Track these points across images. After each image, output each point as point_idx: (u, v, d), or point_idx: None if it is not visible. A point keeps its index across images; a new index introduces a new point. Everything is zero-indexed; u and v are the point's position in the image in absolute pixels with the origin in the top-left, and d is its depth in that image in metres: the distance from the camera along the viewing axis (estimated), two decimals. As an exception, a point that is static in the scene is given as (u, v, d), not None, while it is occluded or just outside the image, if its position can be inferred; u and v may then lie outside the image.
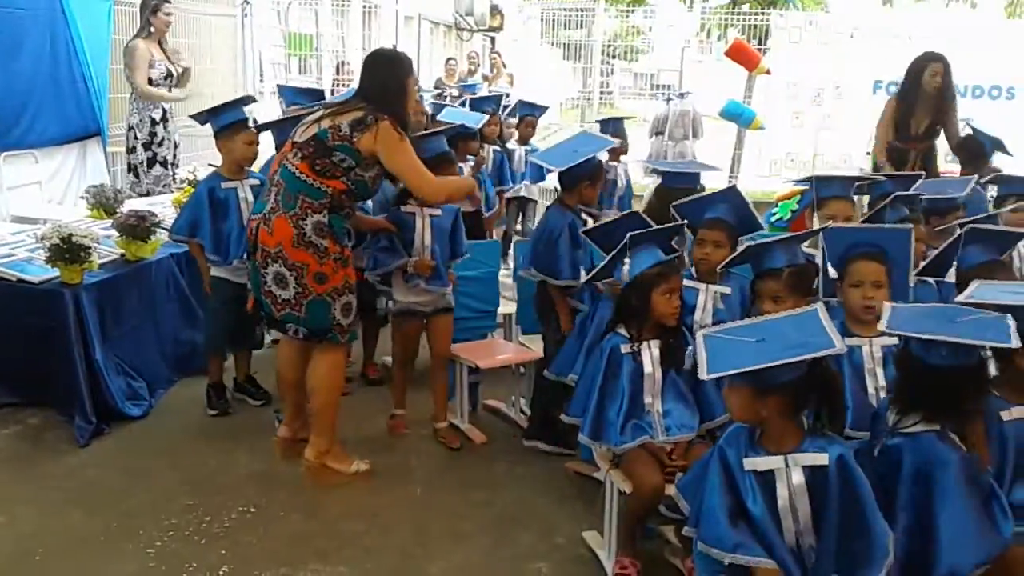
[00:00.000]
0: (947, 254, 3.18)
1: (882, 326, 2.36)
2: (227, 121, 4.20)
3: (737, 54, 9.27)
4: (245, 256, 3.87)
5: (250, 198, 4.20)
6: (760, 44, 10.59)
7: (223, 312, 4.31)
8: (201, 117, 4.26)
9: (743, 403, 2.29)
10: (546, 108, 7.37)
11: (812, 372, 2.25)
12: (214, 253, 4.19)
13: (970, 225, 3.22)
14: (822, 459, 2.23)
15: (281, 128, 4.29)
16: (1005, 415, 2.46)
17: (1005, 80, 9.38)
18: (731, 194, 3.59)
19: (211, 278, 4.30)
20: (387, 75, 3.61)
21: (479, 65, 12.43)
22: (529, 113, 6.95)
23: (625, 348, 3.11)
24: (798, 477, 2.25)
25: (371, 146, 3.46)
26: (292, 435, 3.92)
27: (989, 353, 2.38)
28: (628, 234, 3.14)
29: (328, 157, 3.46)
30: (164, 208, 5.25)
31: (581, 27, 12.17)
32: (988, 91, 9.43)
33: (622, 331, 3.16)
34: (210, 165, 4.59)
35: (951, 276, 3.28)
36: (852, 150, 9.40)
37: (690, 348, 3.09)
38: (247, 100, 4.55)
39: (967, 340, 2.21)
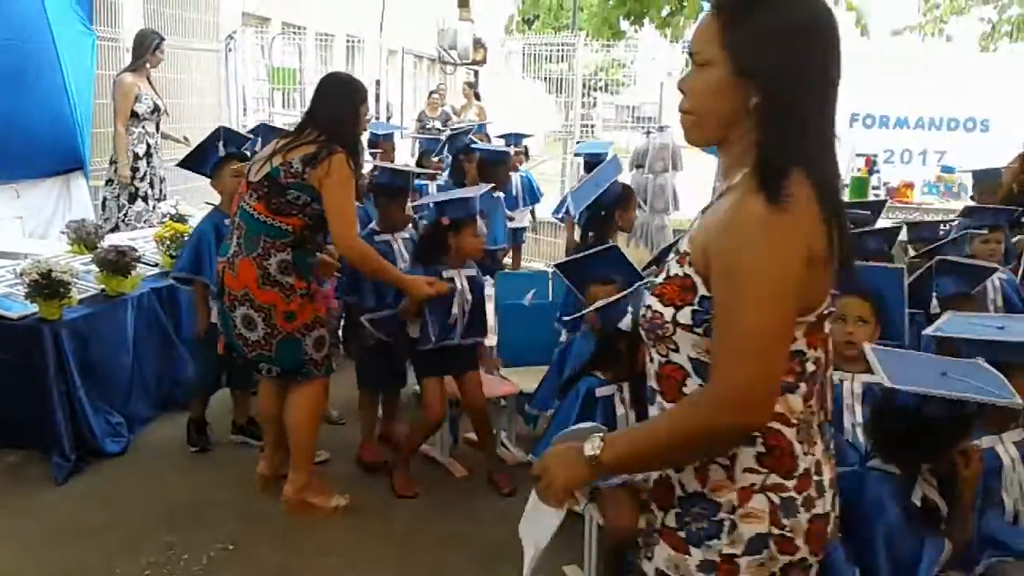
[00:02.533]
0: (917, 286, 3.21)
1: (883, 379, 2.30)
2: (212, 164, 4.22)
3: (716, 87, 9.38)
4: None
5: None
6: (739, 77, 10.69)
7: (220, 356, 4.22)
8: (187, 166, 4.32)
9: None
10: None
11: None
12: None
13: (939, 257, 3.27)
14: None
15: None
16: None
17: (980, 112, 9.50)
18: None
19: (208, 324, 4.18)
20: (341, 101, 3.57)
21: (443, 97, 12.57)
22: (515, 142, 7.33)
23: (602, 391, 3.10)
24: None
25: (322, 179, 3.40)
26: (272, 471, 3.89)
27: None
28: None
29: (283, 196, 3.41)
30: (146, 243, 5.22)
31: (563, 61, 12.26)
32: (963, 123, 9.55)
33: (597, 374, 3.16)
34: (207, 203, 4.57)
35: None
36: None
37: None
38: (219, 135, 4.41)
39: (976, 397, 2.18)
